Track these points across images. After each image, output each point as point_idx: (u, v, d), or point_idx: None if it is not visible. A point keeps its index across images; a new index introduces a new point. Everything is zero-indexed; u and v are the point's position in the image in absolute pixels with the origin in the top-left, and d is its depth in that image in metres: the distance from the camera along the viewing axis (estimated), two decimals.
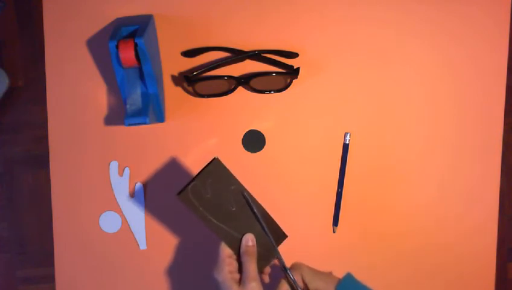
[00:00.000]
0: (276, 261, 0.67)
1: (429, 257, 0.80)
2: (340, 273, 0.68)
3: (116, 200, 0.79)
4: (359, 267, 0.71)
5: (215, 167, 0.64)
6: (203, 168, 0.64)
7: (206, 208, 0.64)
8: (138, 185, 0.79)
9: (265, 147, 0.79)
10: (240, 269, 0.64)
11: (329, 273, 0.66)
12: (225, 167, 0.65)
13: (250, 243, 0.64)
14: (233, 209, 0.65)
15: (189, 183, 0.63)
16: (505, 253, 0.82)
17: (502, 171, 0.80)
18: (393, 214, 0.80)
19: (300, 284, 0.64)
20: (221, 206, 0.65)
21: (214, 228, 0.65)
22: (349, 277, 0.64)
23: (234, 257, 0.65)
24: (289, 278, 0.64)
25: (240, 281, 0.61)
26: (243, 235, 0.65)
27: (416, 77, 0.78)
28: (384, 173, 0.79)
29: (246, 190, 0.66)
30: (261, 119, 0.78)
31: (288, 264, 0.66)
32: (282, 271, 0.65)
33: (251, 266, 0.62)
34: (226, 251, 0.64)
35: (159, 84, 0.73)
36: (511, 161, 0.81)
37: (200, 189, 0.64)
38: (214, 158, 0.64)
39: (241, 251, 0.64)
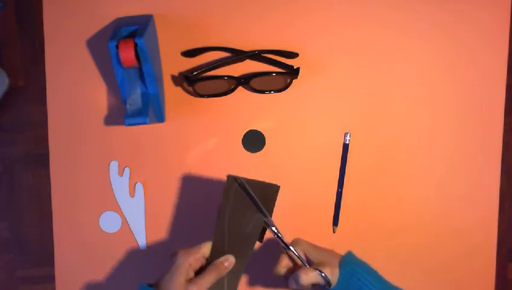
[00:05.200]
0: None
1: (429, 257, 0.80)
2: None
3: (116, 200, 0.79)
4: None
5: (267, 190, 0.65)
6: (262, 181, 0.65)
7: (233, 206, 0.65)
8: (138, 185, 0.78)
9: (265, 147, 0.79)
10: (198, 273, 0.62)
11: (330, 249, 0.67)
12: (274, 199, 0.65)
13: (226, 264, 0.63)
14: (247, 231, 0.65)
15: (243, 178, 0.65)
16: (505, 253, 0.82)
17: (502, 171, 0.80)
18: (393, 214, 0.80)
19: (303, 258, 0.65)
20: (242, 218, 0.65)
21: (219, 226, 0.65)
22: (350, 254, 0.66)
23: (205, 260, 0.64)
24: (292, 254, 0.65)
25: (189, 280, 0.61)
26: (229, 254, 0.64)
27: (416, 77, 0.78)
28: (384, 173, 0.79)
29: (269, 220, 0.65)
30: (261, 119, 0.78)
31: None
32: (284, 249, 0.65)
33: (208, 279, 0.61)
34: (205, 249, 0.63)
35: (159, 84, 0.73)
36: (511, 161, 0.81)
37: (244, 190, 0.65)
38: (277, 185, 0.65)
39: (214, 262, 0.63)
